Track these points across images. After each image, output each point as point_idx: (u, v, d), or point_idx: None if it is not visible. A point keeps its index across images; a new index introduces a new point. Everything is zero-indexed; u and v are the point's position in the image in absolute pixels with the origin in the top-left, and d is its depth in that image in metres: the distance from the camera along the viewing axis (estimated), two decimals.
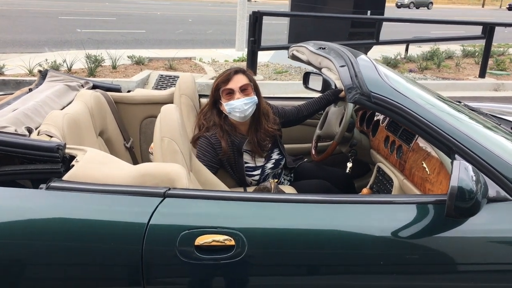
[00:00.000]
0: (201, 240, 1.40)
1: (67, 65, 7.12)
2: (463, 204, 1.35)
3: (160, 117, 1.76)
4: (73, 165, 1.54)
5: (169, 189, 1.48)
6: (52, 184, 1.45)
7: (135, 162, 2.65)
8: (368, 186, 2.50)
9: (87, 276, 1.41)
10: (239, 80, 2.28)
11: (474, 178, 1.40)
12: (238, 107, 2.26)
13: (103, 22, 15.43)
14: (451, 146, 1.55)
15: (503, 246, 1.48)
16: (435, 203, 1.52)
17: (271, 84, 7.33)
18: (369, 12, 7.95)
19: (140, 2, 25.37)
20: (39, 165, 1.54)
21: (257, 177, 2.42)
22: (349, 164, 2.60)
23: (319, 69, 2.33)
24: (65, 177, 1.49)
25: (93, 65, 7.16)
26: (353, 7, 7.98)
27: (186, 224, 1.42)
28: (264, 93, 6.77)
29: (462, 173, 1.36)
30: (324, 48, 2.13)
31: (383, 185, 2.36)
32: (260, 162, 2.43)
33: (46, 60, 7.30)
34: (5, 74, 6.90)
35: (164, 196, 1.46)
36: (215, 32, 14.75)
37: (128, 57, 8.13)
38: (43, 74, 2.56)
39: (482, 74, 8.47)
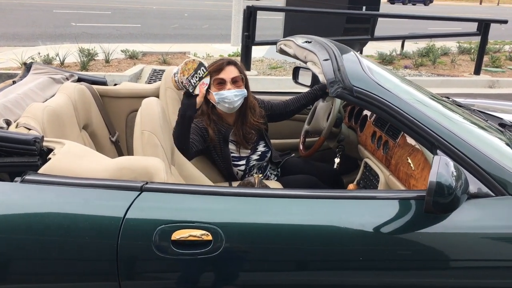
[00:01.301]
0: (177, 235, 1.38)
1: (59, 58, 7.07)
2: (442, 200, 1.33)
3: (140, 110, 1.73)
4: (50, 158, 1.51)
5: (147, 183, 1.46)
6: (27, 177, 1.43)
7: (120, 156, 2.62)
8: (355, 182, 2.48)
9: (61, 270, 1.39)
10: (231, 71, 2.28)
11: (454, 173, 1.38)
12: (228, 97, 2.26)
13: (98, 16, 15.34)
14: (433, 141, 1.53)
15: (483, 242, 1.47)
16: (416, 198, 1.50)
17: (265, 79, 7.30)
18: (364, 7, 7.92)
19: None
20: (15, 158, 1.52)
21: (242, 167, 2.42)
22: (337, 160, 2.58)
23: (305, 63, 2.31)
24: (41, 170, 1.47)
25: (86, 59, 7.12)
26: (348, 3, 7.94)
27: (163, 218, 1.40)
28: (258, 88, 6.74)
29: (442, 169, 1.34)
30: (310, 42, 2.10)
31: (370, 180, 2.35)
32: (245, 153, 2.43)
33: (39, 53, 7.26)
34: None
35: (141, 190, 1.44)
36: (211, 27, 14.68)
37: (122, 51, 8.08)
38: (27, 67, 2.53)
39: (477, 71, 8.46)
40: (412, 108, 1.58)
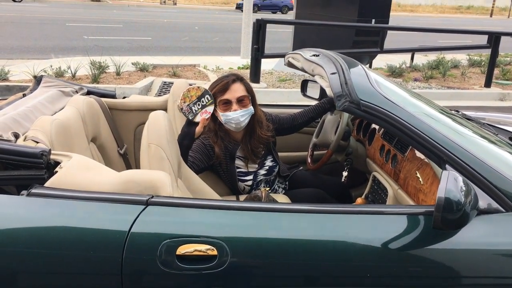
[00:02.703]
0: (182, 249, 1.37)
1: (71, 71, 7.14)
2: (451, 216, 1.31)
3: (148, 124, 1.74)
4: (56, 171, 1.51)
5: (152, 196, 1.45)
6: (34, 190, 1.43)
7: (128, 168, 2.63)
8: (363, 196, 2.46)
9: (66, 284, 1.38)
10: (237, 90, 2.26)
11: (463, 189, 1.36)
12: (234, 119, 2.25)
13: (110, 29, 15.53)
14: (442, 156, 1.51)
15: (494, 258, 1.44)
16: (425, 214, 1.48)
17: (275, 91, 7.31)
18: (373, 20, 7.93)
19: (148, 10, 25.54)
20: (22, 171, 1.52)
21: (249, 182, 2.41)
22: (345, 173, 2.56)
23: (313, 76, 2.30)
24: (47, 184, 1.47)
25: (97, 72, 7.19)
26: (357, 16, 7.96)
27: (168, 232, 1.39)
28: (266, 101, 6.70)
29: (450, 184, 1.32)
30: (318, 55, 2.10)
31: (378, 194, 2.32)
32: (252, 168, 2.42)
33: (51, 66, 7.34)
34: (10, 79, 6.94)
35: (146, 203, 1.43)
36: (221, 40, 14.79)
37: (133, 63, 8.16)
38: (37, 80, 2.55)
39: (487, 84, 8.41)
40: (420, 122, 1.56)
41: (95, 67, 7.30)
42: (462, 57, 11.16)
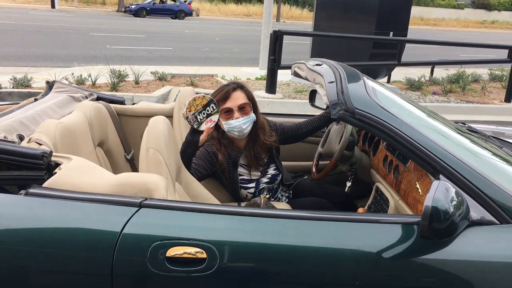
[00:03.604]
0: (172, 251, 1.39)
1: (91, 79, 7.29)
2: (438, 225, 1.31)
3: (147, 128, 1.78)
4: (56, 173, 1.56)
5: (146, 199, 1.48)
6: (31, 190, 1.48)
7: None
8: (365, 206, 2.45)
9: (57, 283, 1.41)
10: (238, 98, 2.29)
11: (454, 199, 1.35)
12: (237, 127, 2.28)
13: (132, 39, 15.80)
14: (435, 166, 1.51)
15: (486, 270, 1.42)
16: (418, 224, 1.47)
17: (290, 102, 7.33)
18: (391, 33, 7.90)
19: (171, 21, 25.91)
20: (24, 172, 1.57)
21: (252, 190, 2.42)
22: (348, 183, 2.55)
23: (315, 85, 2.32)
24: (45, 184, 1.51)
25: (116, 80, 7.32)
26: (375, 28, 7.94)
27: (159, 234, 1.41)
28: (282, 111, 6.72)
29: (439, 193, 1.31)
30: (321, 65, 2.12)
31: (380, 205, 2.31)
32: (255, 175, 2.43)
33: (73, 74, 7.51)
34: (32, 86, 7.12)
35: (140, 206, 1.46)
36: (241, 51, 14.90)
37: (151, 73, 8.29)
38: (50, 85, 2.63)
39: (508, 99, 8.28)
40: (414, 132, 1.56)
41: (115, 75, 7.44)
42: (483, 71, 11.00)
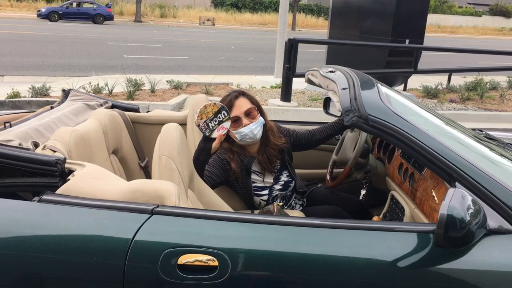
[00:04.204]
0: (184, 259, 1.38)
1: (108, 88, 7.38)
2: (454, 234, 1.28)
3: (160, 135, 1.78)
4: (69, 179, 1.57)
5: (158, 206, 1.48)
6: (44, 197, 1.49)
7: None
8: (381, 215, 2.41)
9: None
10: (242, 104, 2.30)
11: (471, 207, 1.32)
12: (248, 134, 2.29)
13: (149, 48, 15.97)
14: (451, 173, 1.48)
15: (503, 281, 1.38)
16: (434, 232, 1.44)
17: (305, 110, 7.31)
18: (407, 40, 7.85)
19: (187, 30, 26.14)
20: (38, 178, 1.59)
21: (265, 197, 2.41)
22: (363, 191, 2.52)
23: (328, 92, 2.31)
24: (58, 191, 1.52)
25: (132, 89, 7.40)
26: (391, 36, 7.90)
27: (170, 242, 1.41)
28: (297, 119, 6.71)
29: (455, 201, 1.28)
30: (334, 72, 2.10)
31: (396, 214, 2.27)
32: (268, 183, 2.42)
33: (90, 83, 7.61)
34: (50, 95, 7.23)
35: (151, 213, 1.46)
36: (256, 59, 14.95)
37: (167, 81, 8.36)
38: (66, 93, 2.66)
39: None
40: (429, 138, 1.54)
41: (131, 84, 7.52)
42: (501, 78, 10.84)
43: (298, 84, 8.26)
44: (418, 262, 1.40)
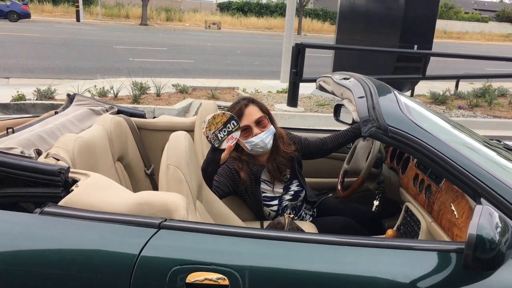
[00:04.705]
0: (192, 277, 1.31)
1: (113, 91, 7.33)
2: (483, 255, 1.19)
3: (168, 144, 1.71)
4: (72, 190, 1.50)
5: (165, 220, 1.40)
6: (46, 209, 1.41)
7: (155, 189, 2.61)
8: (395, 227, 2.33)
9: None
10: (252, 113, 2.22)
11: (499, 225, 1.24)
12: (260, 143, 2.22)
13: (155, 52, 15.94)
14: (476, 189, 1.39)
15: None
16: (457, 251, 1.36)
17: (312, 116, 7.23)
18: (416, 46, 7.76)
19: (193, 34, 26.13)
20: (40, 189, 1.51)
21: (275, 207, 2.34)
22: (375, 202, 2.44)
23: (342, 100, 2.23)
24: (61, 202, 1.45)
25: (138, 93, 7.34)
26: (399, 41, 7.82)
27: (179, 258, 1.33)
28: (304, 125, 6.63)
29: (483, 220, 1.20)
30: (349, 79, 2.03)
31: (411, 226, 2.19)
32: (278, 193, 2.35)
33: (95, 86, 7.57)
34: (55, 98, 7.19)
35: (159, 227, 1.38)
36: (262, 64, 14.89)
37: (173, 85, 8.30)
38: (70, 98, 2.60)
39: None
40: (452, 151, 1.45)
41: (137, 88, 7.46)
42: (510, 85, 10.72)
43: (304, 89, 8.18)
44: (441, 283, 1.31)
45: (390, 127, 1.48)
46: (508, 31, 47.13)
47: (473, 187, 1.40)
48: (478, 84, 10.39)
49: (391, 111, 1.54)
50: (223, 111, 2.05)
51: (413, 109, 1.65)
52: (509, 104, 8.92)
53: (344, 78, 2.06)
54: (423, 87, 9.84)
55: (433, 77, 8.76)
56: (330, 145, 2.54)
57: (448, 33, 42.11)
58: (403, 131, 1.48)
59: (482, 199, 1.38)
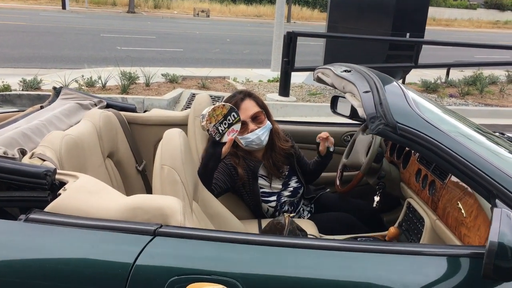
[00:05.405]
0: None
1: (101, 81, 7.16)
2: (505, 264, 1.12)
3: (161, 143, 1.60)
4: (60, 194, 1.39)
5: (161, 226, 1.31)
6: (32, 215, 1.31)
7: (147, 186, 2.51)
8: (396, 224, 2.26)
9: None
10: (248, 108, 2.13)
11: None
12: (255, 140, 2.13)
13: (143, 40, 15.66)
14: (491, 189, 1.32)
15: None
16: (471, 256, 1.29)
17: (304, 105, 7.15)
18: (408, 34, 7.68)
19: (181, 22, 25.74)
20: (25, 192, 1.41)
21: (273, 204, 2.26)
22: (376, 198, 2.36)
23: (343, 93, 2.14)
24: (48, 208, 1.35)
25: (127, 83, 7.18)
26: (391, 29, 7.72)
27: (176, 267, 1.24)
28: (296, 115, 6.51)
29: (504, 226, 1.12)
30: (350, 71, 1.93)
31: (413, 224, 2.12)
32: (276, 188, 2.26)
33: (83, 76, 7.39)
34: (42, 89, 7.01)
35: (154, 234, 1.29)
36: (252, 52, 14.73)
37: (162, 75, 8.14)
38: (57, 91, 2.47)
39: None
40: (465, 149, 1.37)
41: (125, 78, 7.30)
42: (500, 73, 10.72)
43: (295, 78, 8.07)
44: None
45: (399, 124, 1.39)
46: (496, 18, 47.25)
47: (487, 188, 1.32)
48: (468, 72, 10.36)
49: (399, 107, 1.45)
50: (223, 103, 1.95)
51: (421, 105, 1.56)
52: (500, 92, 8.91)
53: (345, 70, 1.96)
54: (414, 75, 9.78)
55: (426, 65, 8.70)
56: (309, 170, 2.49)
57: (437, 20, 42.08)
58: (413, 129, 1.39)
59: (497, 201, 1.31)
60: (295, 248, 1.32)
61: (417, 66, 7.74)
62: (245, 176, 2.20)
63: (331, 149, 2.36)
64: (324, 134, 2.32)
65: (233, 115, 1.94)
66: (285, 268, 1.27)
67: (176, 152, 1.55)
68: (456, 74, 10.29)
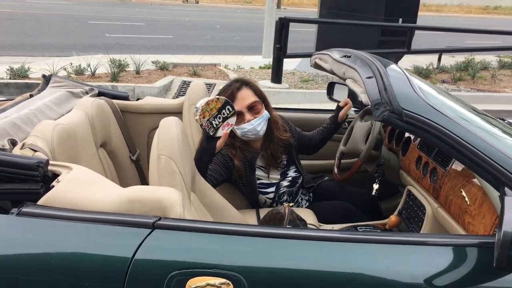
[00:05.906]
0: (193, 283, 1.17)
1: (91, 69, 7.04)
2: None
3: (158, 132, 1.54)
4: (53, 186, 1.33)
5: (160, 218, 1.26)
6: (24, 209, 1.25)
7: (141, 175, 2.45)
8: (396, 212, 2.23)
9: None
10: (245, 97, 2.06)
11: None
12: (251, 130, 2.07)
13: (132, 27, 15.44)
14: (500, 177, 1.28)
15: None
16: (479, 246, 1.26)
17: (297, 92, 7.09)
18: (400, 20, 7.63)
19: (170, 8, 25.44)
20: (17, 185, 1.35)
21: (271, 195, 2.21)
22: (375, 186, 2.32)
23: (343, 79, 2.09)
24: (41, 201, 1.29)
25: (116, 70, 7.07)
26: (384, 15, 7.67)
27: (177, 261, 1.19)
28: (288, 102, 6.47)
29: None
30: (350, 56, 1.88)
31: (414, 212, 2.09)
32: (275, 179, 2.21)
33: (71, 64, 7.26)
34: (30, 77, 6.87)
35: (153, 227, 1.24)
36: (243, 39, 14.59)
37: (153, 62, 8.03)
38: (46, 79, 2.39)
39: None
40: (473, 137, 1.33)
41: (115, 65, 7.18)
42: (491, 58, 10.72)
43: (287, 64, 8.00)
44: (462, 281, 1.21)
45: (405, 111, 1.35)
46: (486, 3, 47.33)
47: (496, 176, 1.28)
48: (460, 58, 10.35)
49: (404, 93, 1.41)
50: (217, 96, 1.88)
51: (426, 91, 1.51)
52: (492, 77, 8.91)
53: (345, 56, 1.91)
54: (406, 61, 9.74)
55: (418, 51, 8.67)
56: (314, 142, 2.46)
57: (428, 5, 42.03)
58: (419, 115, 1.34)
59: (506, 189, 1.27)
60: (298, 240, 1.28)
61: (410, 52, 7.72)
62: (241, 168, 2.15)
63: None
64: (347, 100, 2.36)
65: (228, 109, 1.88)
66: (289, 260, 1.23)
67: (173, 141, 1.50)
68: (448, 60, 10.27)
